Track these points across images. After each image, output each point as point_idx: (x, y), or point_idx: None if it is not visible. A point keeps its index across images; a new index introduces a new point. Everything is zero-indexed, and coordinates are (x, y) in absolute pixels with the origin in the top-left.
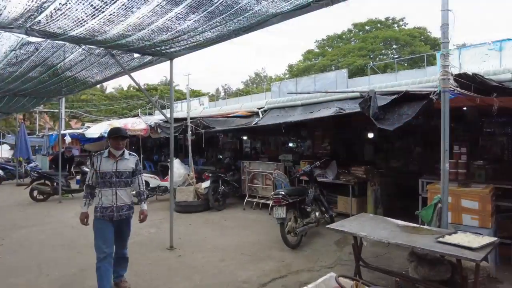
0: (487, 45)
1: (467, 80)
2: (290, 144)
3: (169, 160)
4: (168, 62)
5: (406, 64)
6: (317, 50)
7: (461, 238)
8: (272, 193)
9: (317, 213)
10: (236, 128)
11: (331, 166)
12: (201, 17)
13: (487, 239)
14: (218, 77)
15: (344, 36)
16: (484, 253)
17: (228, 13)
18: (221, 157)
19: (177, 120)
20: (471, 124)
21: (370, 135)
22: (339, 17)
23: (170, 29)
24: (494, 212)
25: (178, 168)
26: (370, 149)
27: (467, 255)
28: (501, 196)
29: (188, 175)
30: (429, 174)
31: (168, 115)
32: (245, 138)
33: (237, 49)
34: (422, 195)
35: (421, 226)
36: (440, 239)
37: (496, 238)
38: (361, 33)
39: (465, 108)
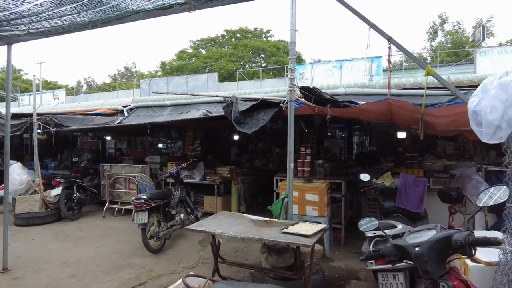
0: (332, 63)
1: (308, 92)
2: (160, 145)
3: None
4: (6, 47)
5: (271, 73)
6: (191, 51)
7: (300, 227)
8: (134, 198)
9: (182, 215)
10: (96, 128)
11: (198, 167)
12: (45, 1)
13: (320, 227)
14: (82, 68)
15: (217, 40)
16: (315, 239)
17: (80, 3)
18: (77, 160)
19: (19, 116)
20: (318, 129)
21: (236, 137)
22: (216, 20)
23: (3, 9)
24: (329, 203)
25: (19, 174)
26: (236, 150)
27: (303, 241)
28: (335, 189)
29: (33, 181)
30: (283, 172)
31: (3, 110)
32: (108, 138)
33: (107, 39)
34: (276, 191)
35: (272, 219)
36: (284, 230)
37: (326, 225)
38: (233, 39)
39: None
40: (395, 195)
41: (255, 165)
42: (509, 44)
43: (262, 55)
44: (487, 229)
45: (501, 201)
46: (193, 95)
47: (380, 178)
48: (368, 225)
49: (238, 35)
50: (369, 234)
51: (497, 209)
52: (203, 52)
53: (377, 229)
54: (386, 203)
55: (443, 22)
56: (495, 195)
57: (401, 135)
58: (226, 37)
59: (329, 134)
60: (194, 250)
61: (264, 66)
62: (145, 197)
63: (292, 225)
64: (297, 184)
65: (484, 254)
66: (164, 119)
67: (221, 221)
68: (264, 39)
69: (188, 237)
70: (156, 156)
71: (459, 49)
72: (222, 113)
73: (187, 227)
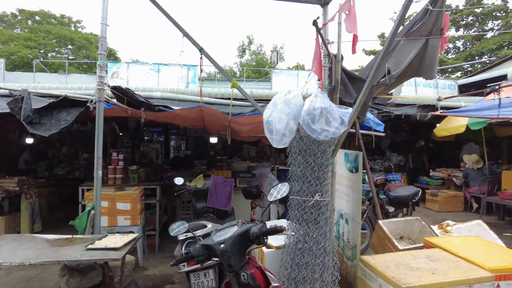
0: (149, 65)
1: (121, 93)
2: None
3: None
4: None
5: (81, 68)
6: None
7: (109, 240)
8: None
9: None
10: None
11: None
12: None
13: (131, 236)
14: None
15: (5, 19)
16: (125, 251)
17: None
18: None
19: None
20: (134, 133)
21: (30, 141)
22: None
23: None
24: (143, 210)
25: None
26: (28, 156)
27: (111, 255)
28: (150, 195)
29: None
30: (91, 181)
31: None
32: None
33: None
34: (82, 202)
35: (75, 236)
36: (90, 246)
37: (138, 234)
38: (30, 22)
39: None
40: (207, 196)
41: (57, 174)
42: (293, 69)
43: (69, 46)
44: (278, 218)
45: (285, 194)
46: None
47: (193, 180)
48: (179, 228)
49: (37, 18)
50: (181, 237)
51: (284, 201)
52: None
53: (188, 231)
54: (198, 204)
55: (250, 42)
56: (281, 190)
57: (213, 140)
58: (20, 17)
59: (145, 138)
60: None
61: (72, 59)
62: None
63: (100, 239)
64: (107, 193)
65: (275, 240)
66: None
67: (1, 248)
68: (73, 29)
69: None
70: None
71: (261, 68)
72: (7, 110)
73: None
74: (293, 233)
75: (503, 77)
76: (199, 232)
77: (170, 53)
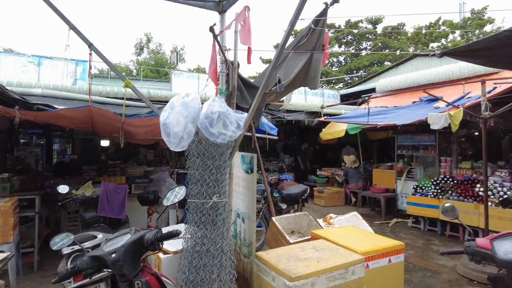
0: (27, 57)
1: None
2: None
3: None
4: None
5: None
6: None
7: None
8: None
9: None
10: None
11: None
12: None
13: (0, 256)
14: None
15: None
16: None
17: None
18: None
19: None
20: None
21: None
22: None
23: None
24: (17, 224)
25: None
26: None
27: None
28: (27, 206)
29: None
30: None
31: None
32: None
33: None
34: None
35: None
36: None
37: (9, 253)
38: None
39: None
40: (97, 204)
41: None
42: (194, 71)
43: None
44: (178, 223)
45: (182, 197)
46: None
47: (80, 188)
48: (63, 241)
49: None
50: (65, 250)
51: (183, 205)
52: None
53: (74, 243)
54: (87, 214)
55: (149, 40)
56: (178, 193)
57: (105, 143)
58: None
59: (22, 141)
60: None
61: None
62: None
63: None
64: None
65: (172, 245)
66: None
67: None
68: None
69: None
70: None
71: (160, 68)
72: None
73: None
74: (189, 236)
75: (373, 90)
76: (87, 244)
77: (55, 44)
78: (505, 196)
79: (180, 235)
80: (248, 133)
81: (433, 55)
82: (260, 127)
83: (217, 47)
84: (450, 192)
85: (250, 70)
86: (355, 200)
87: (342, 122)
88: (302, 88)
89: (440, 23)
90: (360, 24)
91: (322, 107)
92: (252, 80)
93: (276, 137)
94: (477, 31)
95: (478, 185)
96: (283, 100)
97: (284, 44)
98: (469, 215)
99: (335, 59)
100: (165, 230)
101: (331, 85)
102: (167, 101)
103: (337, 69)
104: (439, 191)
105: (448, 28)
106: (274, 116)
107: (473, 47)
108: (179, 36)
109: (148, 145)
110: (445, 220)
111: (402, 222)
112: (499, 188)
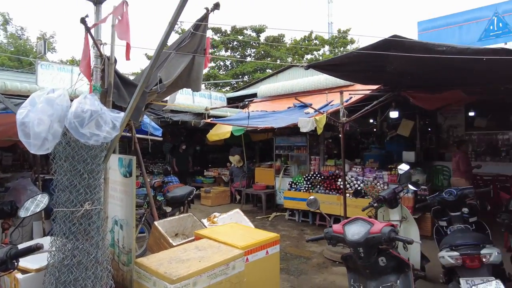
0: None
1: None
2: None
3: None
4: None
5: None
6: None
7: None
8: None
9: None
10: None
11: None
12: None
13: None
14: None
15: None
16: None
17: None
18: None
19: None
20: None
21: None
22: None
23: None
24: None
25: None
26: None
27: None
28: None
29: None
30: None
31: None
32: None
33: None
34: None
35: None
36: None
37: None
38: None
39: None
40: None
41: None
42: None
43: None
44: (44, 235)
45: (45, 206)
46: None
47: None
48: None
49: None
50: None
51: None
52: None
53: None
54: None
55: (6, 22)
56: (41, 202)
57: None
58: None
59: None
60: None
61: None
62: None
63: None
64: None
65: (35, 262)
66: None
67: None
68: None
69: None
70: None
71: (23, 57)
72: None
73: None
74: (53, 249)
75: (255, 95)
76: None
77: None
78: (358, 188)
79: (42, 250)
80: (128, 134)
81: (302, 66)
82: (142, 127)
83: (91, 40)
84: (318, 186)
85: (134, 67)
86: (239, 198)
87: (226, 124)
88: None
89: (313, 37)
90: (245, 32)
91: (206, 109)
92: (132, 78)
93: (160, 138)
94: (342, 48)
95: (339, 180)
96: (166, 100)
97: (163, 44)
98: (334, 206)
99: (222, 63)
100: (23, 245)
101: (219, 88)
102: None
103: (224, 72)
104: (309, 186)
105: (319, 43)
106: (159, 116)
107: (331, 63)
108: (48, 22)
109: (4, 147)
110: (315, 212)
111: (280, 215)
112: (355, 181)
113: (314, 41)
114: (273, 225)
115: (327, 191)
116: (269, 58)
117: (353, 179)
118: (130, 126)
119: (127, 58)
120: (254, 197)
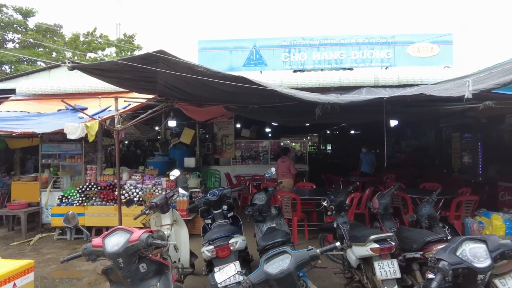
0: None
1: None
2: None
3: None
4: None
5: None
6: None
7: None
8: None
9: None
10: None
11: None
12: None
13: None
14: None
15: None
16: None
17: None
18: None
19: None
20: None
21: None
22: None
23: None
24: None
25: None
26: None
27: None
28: None
29: None
30: None
31: None
32: None
33: None
34: None
35: None
36: None
37: None
38: None
39: None
40: None
41: None
42: None
43: None
44: None
45: None
46: None
47: None
48: None
49: None
50: None
51: None
52: None
53: None
54: None
55: None
56: None
57: None
58: None
59: None
60: None
61: None
62: None
63: None
64: None
65: None
66: None
67: None
68: None
69: None
70: None
71: None
72: None
73: None
74: None
75: (12, 91)
76: None
77: None
78: (128, 198)
79: None
80: None
81: (67, 66)
82: None
83: None
84: (94, 198)
85: None
86: None
87: None
88: None
89: (98, 34)
90: (5, 10)
91: None
92: None
93: None
94: (129, 53)
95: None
96: None
97: None
98: (111, 217)
99: None
100: None
101: None
102: None
103: None
104: (84, 198)
105: (103, 42)
106: None
107: (99, 67)
108: None
109: None
110: (89, 226)
111: (47, 236)
112: (133, 190)
113: (99, 39)
114: (35, 250)
115: (103, 202)
116: (41, 49)
117: (131, 187)
118: None
119: None
120: (10, 219)
